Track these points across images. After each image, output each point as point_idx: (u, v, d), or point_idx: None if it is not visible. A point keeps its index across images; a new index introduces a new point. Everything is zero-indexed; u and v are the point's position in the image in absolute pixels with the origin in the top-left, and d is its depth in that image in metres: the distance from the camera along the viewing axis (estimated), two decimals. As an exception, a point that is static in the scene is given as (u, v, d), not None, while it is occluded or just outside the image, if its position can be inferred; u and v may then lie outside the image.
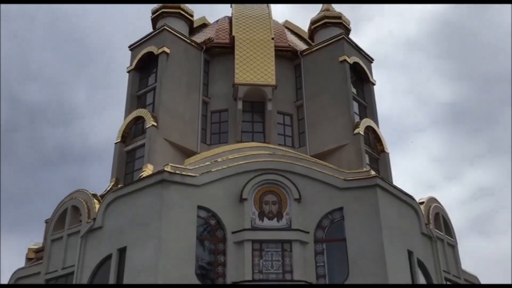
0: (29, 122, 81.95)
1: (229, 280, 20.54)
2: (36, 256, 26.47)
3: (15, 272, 25.66)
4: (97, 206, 23.10)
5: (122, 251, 21.24)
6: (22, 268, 25.74)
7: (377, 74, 32.71)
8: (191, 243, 20.59)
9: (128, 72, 30.44)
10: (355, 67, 30.28)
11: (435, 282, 23.41)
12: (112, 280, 20.91)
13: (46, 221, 25.93)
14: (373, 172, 23.09)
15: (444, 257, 25.04)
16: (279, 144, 28.72)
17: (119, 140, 27.91)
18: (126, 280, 20.37)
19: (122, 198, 22.35)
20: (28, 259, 27.01)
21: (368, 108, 30.54)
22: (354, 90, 29.98)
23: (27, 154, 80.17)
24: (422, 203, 25.25)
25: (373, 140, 29.44)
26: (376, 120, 30.04)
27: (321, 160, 25.65)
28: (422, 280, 22.78)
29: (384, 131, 30.12)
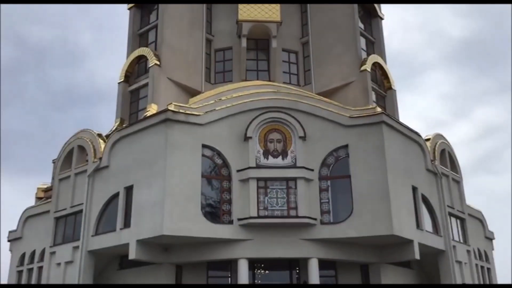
0: (36, 64, 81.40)
1: (234, 217, 20.82)
2: (45, 195, 26.96)
3: (25, 211, 26.21)
4: (102, 145, 23.17)
5: (128, 190, 21.50)
6: (32, 207, 26.24)
7: (387, 9, 31.73)
8: (196, 182, 20.74)
9: (128, 9, 29.71)
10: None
11: (438, 217, 23.64)
12: (120, 218, 21.27)
13: (53, 161, 26.17)
14: (379, 109, 22.81)
15: (448, 193, 25.17)
16: (284, 82, 28.37)
17: (122, 80, 27.68)
18: (133, 218, 20.71)
19: (127, 138, 22.38)
20: (38, 198, 27.55)
21: (375, 44, 29.83)
22: (361, 25, 29.19)
23: (35, 96, 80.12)
24: (428, 139, 25.11)
25: (380, 77, 28.96)
26: (384, 56, 29.43)
27: (327, 98, 25.34)
28: (426, 215, 23.01)
29: (393, 68, 29.68)
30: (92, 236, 22.13)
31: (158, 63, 26.28)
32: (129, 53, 28.30)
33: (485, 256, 27.84)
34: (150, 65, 26.43)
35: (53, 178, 25.48)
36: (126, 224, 21.05)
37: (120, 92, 27.63)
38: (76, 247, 22.48)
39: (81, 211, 22.79)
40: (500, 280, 28.81)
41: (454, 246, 23.95)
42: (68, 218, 23.90)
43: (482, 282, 26.30)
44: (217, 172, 21.64)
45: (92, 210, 22.45)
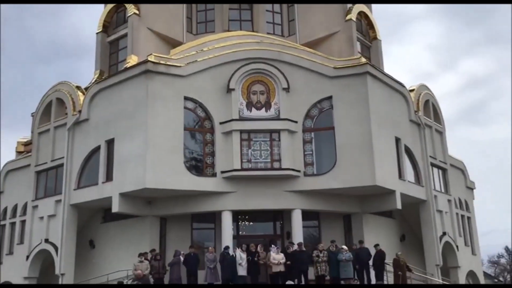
0: (17, 16, 78.68)
1: (218, 170, 20.73)
2: (25, 149, 26.57)
3: (5, 165, 25.86)
4: (81, 98, 22.65)
5: (110, 143, 21.19)
6: (12, 161, 25.87)
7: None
8: (179, 134, 20.48)
9: (104, -46, 28.44)
10: None
11: (421, 167, 23.84)
12: (101, 172, 21.06)
13: (32, 114, 25.61)
14: (363, 60, 22.46)
15: (431, 143, 25.31)
16: (268, 33, 27.69)
17: (100, 30, 26.78)
18: (115, 171, 20.51)
19: (107, 90, 21.87)
20: (18, 153, 27.16)
21: (361, -7, 29.08)
22: (347, -26, 28.32)
23: (17, 49, 78.00)
24: (412, 90, 24.98)
25: (366, 27, 28.42)
26: (369, 6, 28.80)
27: (311, 49, 24.88)
28: (408, 166, 23.17)
29: (380, 20, 29.05)
30: (74, 189, 21.95)
31: (137, 12, 25.40)
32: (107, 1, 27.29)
33: (465, 206, 28.35)
34: (129, 15, 25.54)
35: (32, 132, 25.00)
36: (108, 177, 20.86)
37: (99, 43, 26.78)
38: (58, 201, 22.34)
39: (62, 165, 22.49)
40: (480, 229, 29.49)
41: (435, 196, 24.29)
42: (49, 172, 23.62)
43: (462, 231, 26.88)
44: (199, 124, 21.37)
45: (73, 164, 22.18)
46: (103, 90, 21.94)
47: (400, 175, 22.20)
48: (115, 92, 21.46)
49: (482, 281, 29.01)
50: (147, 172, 19.46)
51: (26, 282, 22.89)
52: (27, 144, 26.51)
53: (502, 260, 66.30)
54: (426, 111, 25.75)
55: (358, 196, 21.81)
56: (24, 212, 24.21)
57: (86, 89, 23.51)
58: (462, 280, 25.44)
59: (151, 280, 18.15)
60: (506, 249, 64.66)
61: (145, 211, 21.12)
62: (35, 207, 23.58)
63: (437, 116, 26.96)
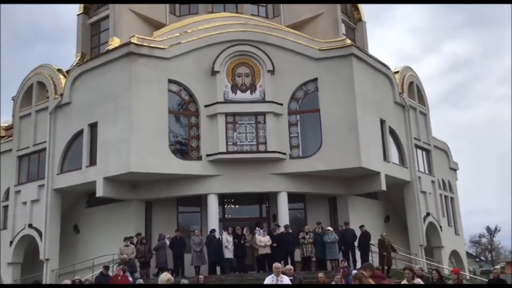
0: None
1: (203, 153, 20.60)
2: (6, 133, 26.08)
3: (-14, 151, 25.37)
4: (63, 81, 22.25)
5: (93, 126, 20.90)
6: (-7, 146, 25.43)
7: None
8: (163, 117, 20.27)
9: None
10: None
11: (405, 148, 23.98)
12: (85, 156, 20.81)
13: (13, 98, 25.12)
14: (348, 41, 22.37)
15: (415, 125, 25.44)
16: (252, 15, 27.41)
17: (81, 12, 26.26)
18: (99, 155, 20.28)
19: (89, 73, 21.49)
20: (1, 137, 26.64)
21: (346, -26, 28.86)
22: (331, -45, 28.04)
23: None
24: (397, 72, 24.99)
25: (350, 9, 28.31)
26: (353, -13, 28.63)
27: (296, 31, 24.66)
28: (393, 148, 23.29)
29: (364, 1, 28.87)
30: (58, 174, 21.67)
31: (119, -7, 24.93)
32: (87, -18, 26.72)
33: (449, 186, 28.67)
34: (110, -4, 25.08)
35: (13, 116, 24.55)
36: (92, 161, 20.62)
37: (80, 25, 26.29)
38: (41, 186, 22.06)
39: (44, 149, 22.17)
40: (463, 209, 29.89)
41: (419, 177, 24.49)
42: (31, 157, 23.30)
43: (445, 211, 27.21)
44: (184, 107, 21.17)
45: (56, 148, 21.86)
46: (85, 73, 21.57)
47: (385, 157, 22.31)
48: (98, 75, 21.10)
49: (465, 260, 29.52)
50: (131, 156, 19.26)
51: (10, 268, 22.67)
52: (8, 128, 26.03)
53: (483, 240, 67.52)
54: (411, 93, 25.83)
55: (343, 178, 21.89)
56: (6, 197, 23.89)
57: (67, 72, 23.10)
58: (445, 260, 25.83)
59: (137, 264, 18.08)
60: (488, 229, 65.88)
61: (130, 195, 20.97)
62: (17, 192, 23.27)
63: (421, 98, 27.08)
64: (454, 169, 30.04)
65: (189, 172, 20.36)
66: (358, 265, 16.69)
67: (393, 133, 23.39)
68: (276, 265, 12.38)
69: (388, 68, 23.72)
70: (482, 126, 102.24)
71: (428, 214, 24.75)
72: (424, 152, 26.38)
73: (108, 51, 21.57)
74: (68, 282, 13.51)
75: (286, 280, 12.07)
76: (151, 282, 16.82)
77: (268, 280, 12.11)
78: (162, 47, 20.72)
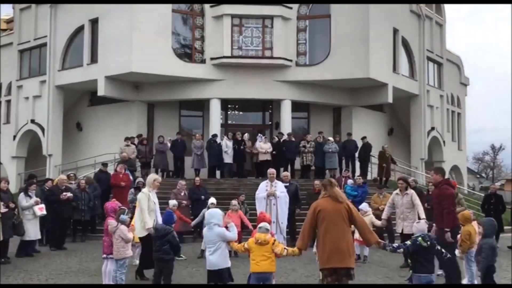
0: None
1: (207, 56, 20.03)
2: (8, 26, 25.43)
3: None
4: (63, -28, 21.16)
5: (94, 23, 20.22)
6: (-6, 39, 24.86)
7: None
8: (167, 16, 19.46)
9: None
10: None
11: (416, 60, 23.22)
12: (86, 53, 20.32)
13: (12, -11, 24.14)
14: None
15: (430, 36, 24.45)
16: None
17: None
18: (100, 53, 19.77)
19: (90, -35, 20.37)
20: (2, 30, 25.99)
21: None
22: None
23: None
24: (415, -22, 23.52)
25: None
26: None
27: None
28: (403, 59, 22.55)
29: None
30: (59, 70, 21.33)
31: None
32: None
33: (457, 101, 28.15)
34: None
35: (13, 8, 23.74)
36: (93, 59, 20.19)
37: None
38: (43, 82, 21.82)
39: (45, 44, 21.63)
40: (470, 126, 29.59)
41: (428, 91, 23.95)
42: (32, 51, 22.87)
43: (451, 126, 26.95)
44: (188, 7, 20.26)
45: (57, 44, 21.32)
46: (86, -35, 20.45)
47: (394, 68, 21.66)
48: (99, -33, 19.99)
49: (465, 176, 29.73)
50: (133, 55, 18.76)
51: (15, 161, 23.07)
52: (10, 21, 25.31)
53: (487, 157, 67.86)
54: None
55: (350, 88, 21.41)
56: (9, 92, 23.75)
57: (68, -38, 21.91)
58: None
59: (138, 164, 18.25)
60: (492, 146, 65.87)
61: (133, 95, 20.75)
62: (19, 87, 23.10)
63: (438, 7, 25.78)
64: (464, 84, 29.33)
65: (192, 75, 19.94)
66: (356, 176, 16.70)
67: (405, 43, 22.52)
68: (271, 170, 12.34)
69: (406, -27, 22.31)
70: (500, 44, 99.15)
71: (432, 128, 24.51)
72: (435, 65, 25.60)
73: None
74: (63, 177, 13.62)
75: (280, 186, 12.04)
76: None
77: (263, 185, 12.08)
78: None
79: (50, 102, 21.34)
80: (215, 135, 18.97)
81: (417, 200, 10.34)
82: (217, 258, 6.44)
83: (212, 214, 6.67)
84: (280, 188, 11.99)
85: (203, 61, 20.15)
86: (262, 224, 6.49)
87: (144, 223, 8.07)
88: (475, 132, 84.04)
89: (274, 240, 6.40)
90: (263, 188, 12.01)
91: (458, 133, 28.13)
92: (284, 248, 6.38)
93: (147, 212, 8.10)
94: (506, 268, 9.89)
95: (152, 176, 8.71)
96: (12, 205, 10.68)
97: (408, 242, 6.09)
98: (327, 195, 5.95)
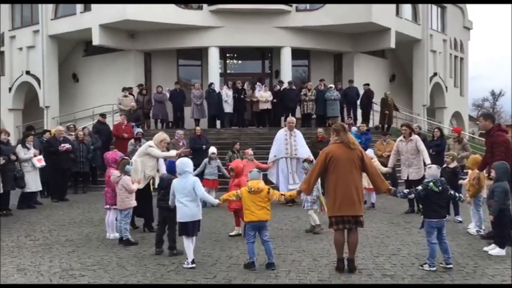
0: None
1: (204, 2, 19.36)
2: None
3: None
4: None
5: (85, -31, 19.42)
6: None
7: None
8: (161, -40, 18.70)
9: None
10: None
11: (419, 4, 22.52)
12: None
13: None
14: None
15: (433, -21, 23.66)
16: None
17: None
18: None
19: None
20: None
21: None
22: None
23: None
24: None
25: None
26: None
27: None
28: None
29: None
30: (52, 20, 20.69)
31: None
32: None
33: (460, 46, 27.58)
34: None
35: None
36: (87, 7, 19.54)
37: None
38: (36, 31, 21.21)
39: (36, -9, 20.90)
40: (471, 70, 29.16)
41: (431, 35, 23.41)
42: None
43: (453, 72, 26.52)
44: (184, -51, 19.44)
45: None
46: None
47: (397, 12, 21.05)
48: None
49: (466, 122, 29.53)
50: (127, 2, 18.10)
51: (12, 114, 22.74)
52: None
53: (486, 104, 67.46)
54: None
55: (351, 34, 20.87)
56: (2, 43, 23.13)
57: None
58: (446, 121, 25.78)
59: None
60: (492, 93, 65.37)
61: (128, 45, 20.23)
62: (12, 37, 22.50)
63: None
64: (468, 28, 28.64)
65: (189, 23, 19.37)
66: (359, 123, 16.47)
67: (408, -14, 21.80)
68: (291, 119, 12.04)
69: None
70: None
71: (435, 74, 24.10)
72: (439, 9, 24.90)
73: None
74: (61, 128, 13.37)
75: (299, 135, 11.71)
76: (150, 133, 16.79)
77: (281, 134, 11.67)
78: None
79: (44, 52, 20.79)
80: (211, 84, 18.56)
81: (422, 146, 10.21)
82: (194, 208, 6.17)
83: (186, 163, 6.34)
84: (299, 137, 11.68)
85: (200, 8, 19.53)
86: (253, 170, 6.23)
87: (168, 156, 8.36)
88: (475, 77, 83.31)
89: (269, 189, 6.11)
90: (282, 136, 11.65)
91: (460, 78, 27.73)
92: (281, 194, 6.24)
93: (162, 153, 8.33)
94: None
95: (161, 136, 8.43)
96: (13, 157, 10.51)
97: (419, 188, 5.93)
98: (340, 141, 5.72)
